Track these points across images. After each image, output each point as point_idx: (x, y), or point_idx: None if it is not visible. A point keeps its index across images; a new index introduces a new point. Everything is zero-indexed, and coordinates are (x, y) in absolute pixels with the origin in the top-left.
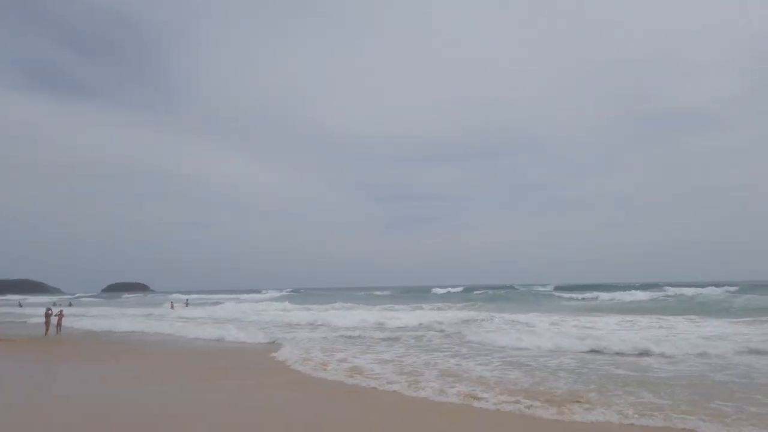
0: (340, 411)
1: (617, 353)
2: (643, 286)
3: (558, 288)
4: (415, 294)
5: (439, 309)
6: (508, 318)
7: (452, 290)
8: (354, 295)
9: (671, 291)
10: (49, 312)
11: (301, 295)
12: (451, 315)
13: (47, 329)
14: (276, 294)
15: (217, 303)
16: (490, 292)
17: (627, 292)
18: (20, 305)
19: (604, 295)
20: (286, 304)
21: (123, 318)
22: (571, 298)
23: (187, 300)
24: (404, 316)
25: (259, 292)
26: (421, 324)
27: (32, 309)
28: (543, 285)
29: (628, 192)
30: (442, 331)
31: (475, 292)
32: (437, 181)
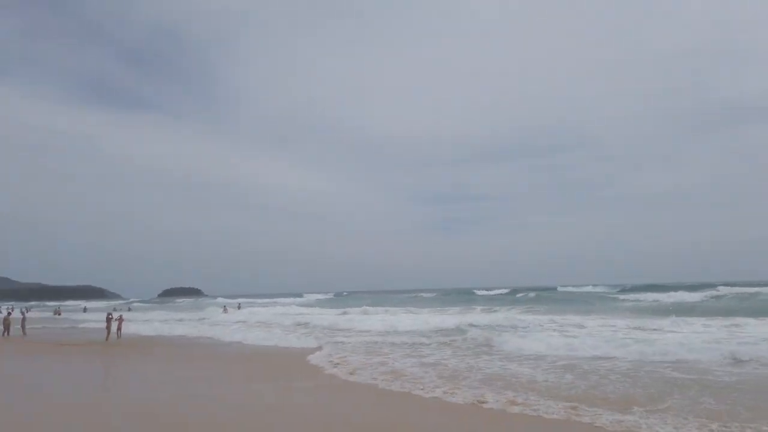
0: (371, 415)
1: (675, 357)
2: (695, 286)
3: (610, 288)
4: (461, 296)
5: (485, 311)
6: (557, 320)
7: (499, 292)
8: (398, 298)
9: (725, 290)
10: (110, 317)
11: (344, 298)
12: (497, 317)
13: (108, 334)
14: (321, 297)
15: (264, 306)
16: (537, 294)
17: (679, 292)
18: (85, 310)
19: (657, 296)
20: (329, 308)
21: (176, 323)
22: (624, 300)
23: (239, 304)
24: (449, 319)
25: (301, 296)
26: (466, 326)
27: (90, 314)
28: (593, 285)
29: (684, 189)
30: (487, 333)
31: (522, 294)
32: (485, 182)
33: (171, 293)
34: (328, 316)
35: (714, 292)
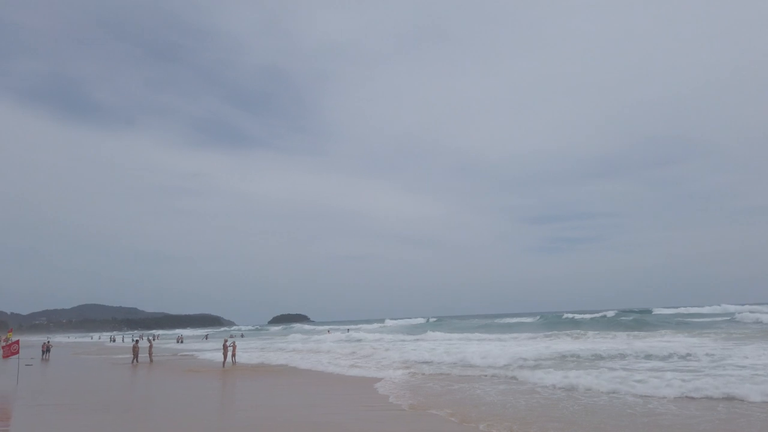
0: None
1: None
2: None
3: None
4: (563, 321)
5: (590, 338)
6: (681, 350)
7: (604, 314)
8: (492, 324)
9: None
10: (226, 344)
11: (432, 324)
12: (605, 346)
13: (225, 360)
14: (416, 321)
15: (358, 330)
16: (643, 315)
17: None
18: (206, 338)
19: None
20: (407, 334)
21: (274, 351)
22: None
23: (348, 329)
24: (546, 346)
25: (383, 321)
26: (563, 354)
27: (206, 342)
28: (719, 305)
29: None
30: (586, 365)
31: (627, 318)
32: (596, 199)
33: (280, 320)
34: (405, 344)
35: None
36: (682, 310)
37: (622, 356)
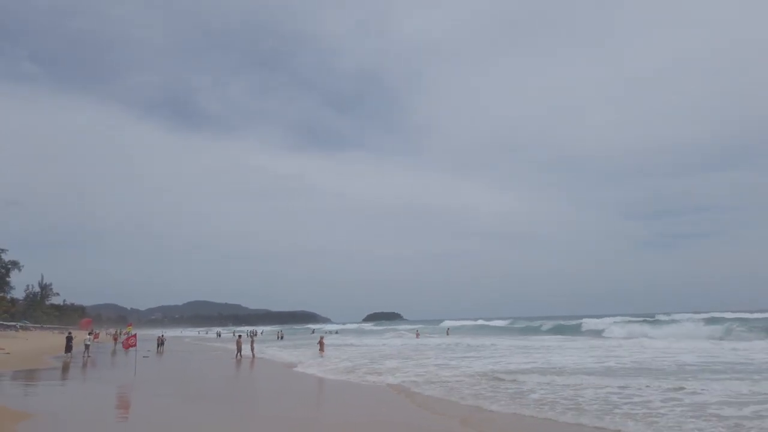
0: None
1: None
2: None
3: None
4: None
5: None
6: None
7: (719, 315)
8: (567, 327)
9: None
10: (322, 341)
11: (487, 329)
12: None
13: (321, 353)
14: (490, 323)
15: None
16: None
17: None
18: (313, 332)
19: None
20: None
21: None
22: None
23: (448, 329)
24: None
25: (439, 322)
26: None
27: (299, 338)
28: None
29: None
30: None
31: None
32: (705, 192)
33: (373, 317)
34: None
35: None
36: None
37: None
